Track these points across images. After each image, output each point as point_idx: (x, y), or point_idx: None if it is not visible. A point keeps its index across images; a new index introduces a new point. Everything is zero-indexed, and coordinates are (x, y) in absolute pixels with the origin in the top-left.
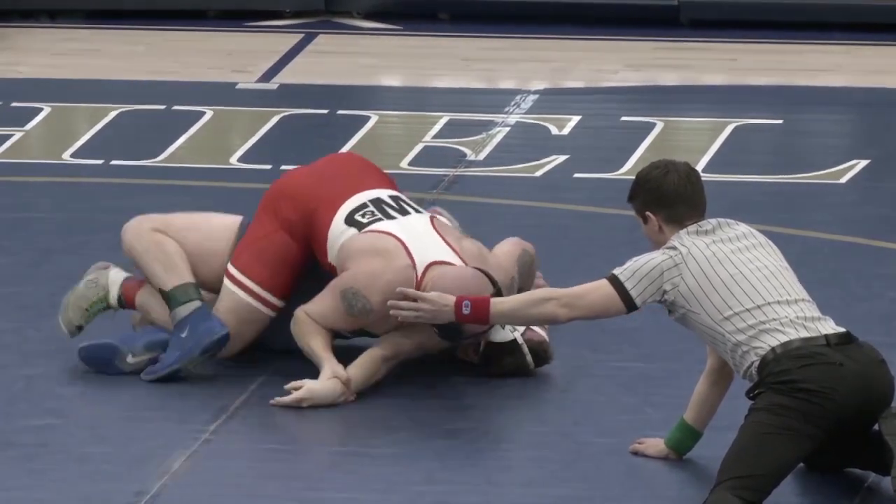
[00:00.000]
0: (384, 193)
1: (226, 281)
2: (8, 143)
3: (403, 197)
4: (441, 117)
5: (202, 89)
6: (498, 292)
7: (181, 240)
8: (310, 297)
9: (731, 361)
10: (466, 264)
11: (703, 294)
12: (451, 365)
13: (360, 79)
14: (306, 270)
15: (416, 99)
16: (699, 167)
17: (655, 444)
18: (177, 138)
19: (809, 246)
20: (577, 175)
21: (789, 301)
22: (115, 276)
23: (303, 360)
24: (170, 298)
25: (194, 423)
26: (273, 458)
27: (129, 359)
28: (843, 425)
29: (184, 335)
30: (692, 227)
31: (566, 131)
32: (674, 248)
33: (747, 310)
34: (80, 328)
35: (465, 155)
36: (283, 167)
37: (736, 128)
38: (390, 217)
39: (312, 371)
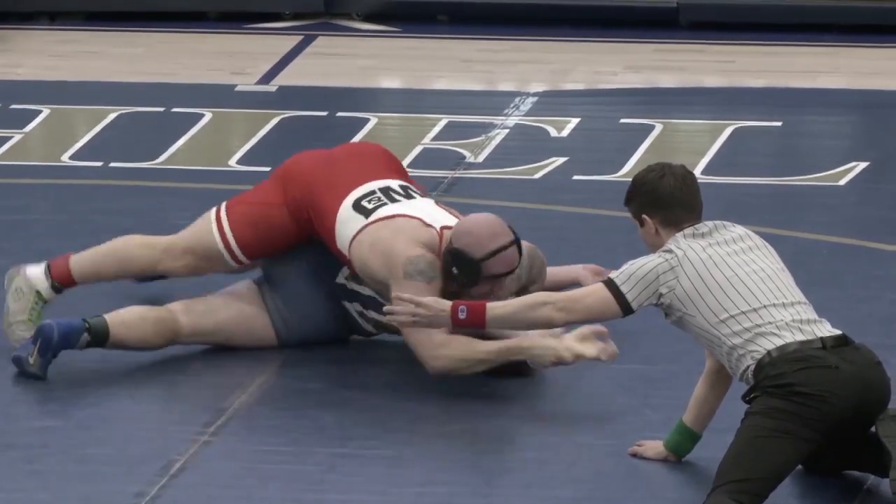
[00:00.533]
0: (394, 183)
1: (211, 218)
2: (7, 146)
3: (413, 188)
4: (440, 119)
5: (201, 91)
6: (517, 241)
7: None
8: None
9: (728, 364)
10: None
11: (700, 297)
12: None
13: (360, 81)
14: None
15: (416, 101)
16: (698, 169)
17: (654, 447)
18: (176, 140)
19: (808, 247)
20: (576, 177)
21: (786, 304)
22: (34, 272)
23: (303, 360)
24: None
25: (194, 425)
26: (273, 459)
27: (31, 360)
28: (840, 428)
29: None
30: (688, 230)
31: (565, 133)
32: (670, 251)
33: (743, 313)
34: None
35: (464, 157)
36: None
37: (735, 130)
38: (395, 201)
39: (312, 371)
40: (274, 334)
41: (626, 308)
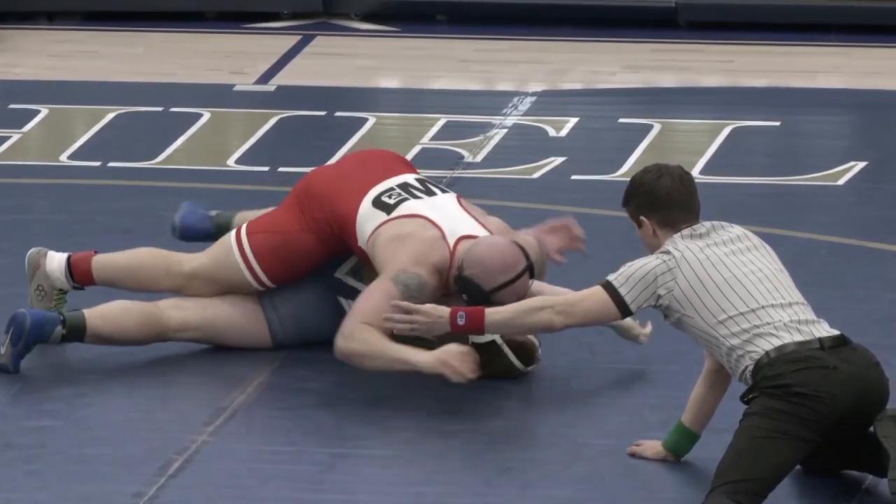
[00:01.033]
0: (411, 178)
1: (232, 243)
2: (6, 145)
3: (430, 180)
4: (439, 119)
5: (200, 91)
6: (530, 267)
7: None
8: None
9: (727, 365)
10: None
11: (698, 298)
12: None
13: (358, 80)
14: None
15: (414, 101)
16: (697, 169)
17: (653, 446)
18: (174, 140)
19: (807, 247)
20: (574, 177)
21: (784, 304)
22: (54, 268)
23: (302, 360)
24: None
25: (194, 424)
26: (272, 459)
27: (2, 350)
28: (838, 428)
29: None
30: (686, 231)
31: (564, 133)
32: (667, 252)
33: (741, 313)
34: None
35: (462, 157)
36: (281, 169)
37: (734, 129)
38: (416, 197)
39: (311, 371)
40: (268, 332)
41: (624, 310)
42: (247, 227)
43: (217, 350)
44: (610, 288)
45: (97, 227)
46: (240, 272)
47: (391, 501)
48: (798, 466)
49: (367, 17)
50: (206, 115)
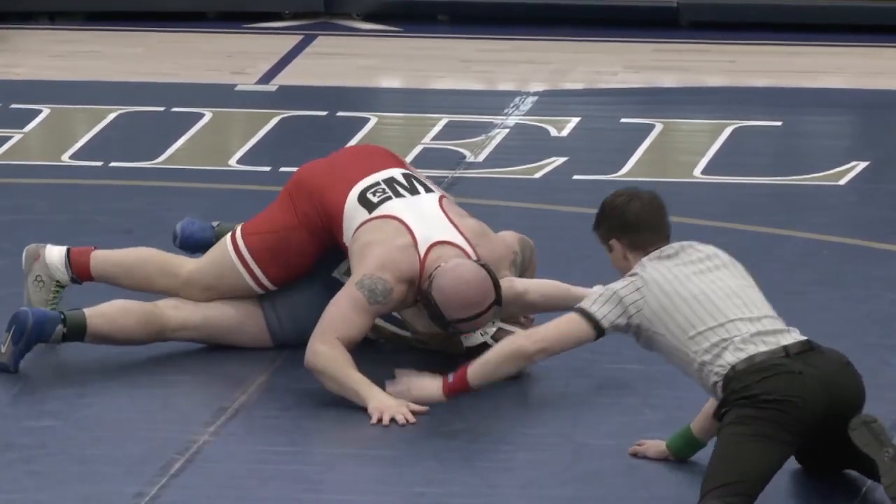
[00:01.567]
0: (397, 172)
1: (228, 247)
2: (7, 145)
3: (417, 175)
4: (440, 119)
5: (201, 91)
6: (498, 299)
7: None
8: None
9: (700, 381)
10: (469, 242)
11: (667, 315)
12: (448, 367)
13: (360, 80)
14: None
15: (416, 100)
16: (698, 169)
17: (656, 445)
18: (176, 140)
19: (809, 247)
20: (576, 177)
21: (752, 318)
22: (54, 259)
23: (303, 360)
24: None
25: (194, 424)
26: (272, 459)
27: (2, 348)
28: (820, 428)
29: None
30: (654, 253)
31: (565, 133)
32: (636, 274)
33: (710, 328)
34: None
35: (464, 157)
36: (283, 169)
37: (735, 129)
38: (399, 195)
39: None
40: (267, 331)
41: (597, 327)
42: (241, 229)
43: (217, 350)
44: (580, 310)
45: (98, 227)
46: (239, 276)
47: (392, 502)
48: (799, 466)
49: (368, 17)
50: (208, 115)
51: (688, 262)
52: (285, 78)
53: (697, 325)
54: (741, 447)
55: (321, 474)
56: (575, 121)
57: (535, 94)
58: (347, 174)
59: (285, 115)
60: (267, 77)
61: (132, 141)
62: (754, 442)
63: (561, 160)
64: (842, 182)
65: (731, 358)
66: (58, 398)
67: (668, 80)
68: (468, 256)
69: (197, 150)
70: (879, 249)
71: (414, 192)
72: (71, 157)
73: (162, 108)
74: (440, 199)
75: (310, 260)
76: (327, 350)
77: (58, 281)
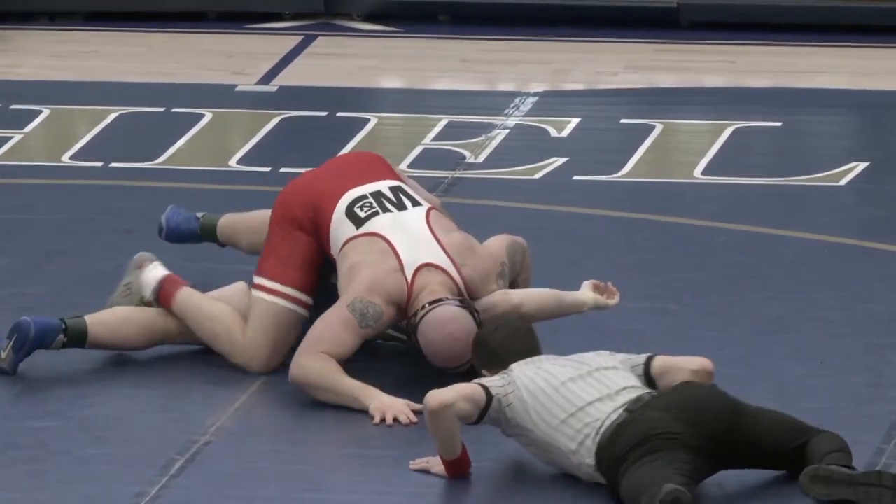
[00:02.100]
0: (385, 185)
1: (256, 294)
2: (7, 146)
3: (406, 188)
4: (440, 119)
5: (202, 91)
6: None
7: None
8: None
9: (576, 471)
10: (455, 263)
11: (532, 408)
12: (441, 372)
13: (360, 81)
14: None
15: (416, 101)
16: (698, 169)
17: None
18: (176, 140)
19: (809, 248)
20: (576, 177)
21: (610, 395)
22: (149, 279)
23: None
24: None
25: (194, 424)
26: (273, 459)
27: (2, 354)
28: (724, 446)
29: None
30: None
31: (565, 133)
32: (505, 372)
33: (572, 415)
34: None
35: (464, 157)
36: (283, 169)
37: (735, 130)
38: (387, 210)
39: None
40: None
41: (486, 390)
42: (255, 272)
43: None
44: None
45: (99, 227)
46: (287, 311)
47: (392, 502)
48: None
49: (368, 18)
50: (208, 116)
51: (551, 359)
52: (285, 78)
53: (559, 414)
54: (647, 469)
55: (321, 474)
56: (575, 121)
57: (535, 94)
58: (337, 181)
59: (285, 116)
60: (267, 77)
61: (132, 141)
62: (656, 460)
63: (561, 161)
64: (842, 182)
65: (595, 439)
66: (59, 398)
67: (669, 81)
68: (453, 280)
69: (197, 150)
70: (879, 249)
71: (401, 206)
72: (71, 158)
73: (162, 109)
74: (427, 212)
75: (318, 256)
76: (314, 362)
77: (142, 297)
